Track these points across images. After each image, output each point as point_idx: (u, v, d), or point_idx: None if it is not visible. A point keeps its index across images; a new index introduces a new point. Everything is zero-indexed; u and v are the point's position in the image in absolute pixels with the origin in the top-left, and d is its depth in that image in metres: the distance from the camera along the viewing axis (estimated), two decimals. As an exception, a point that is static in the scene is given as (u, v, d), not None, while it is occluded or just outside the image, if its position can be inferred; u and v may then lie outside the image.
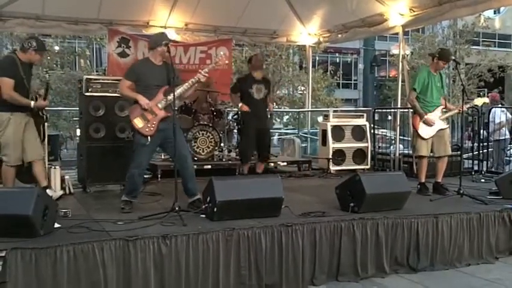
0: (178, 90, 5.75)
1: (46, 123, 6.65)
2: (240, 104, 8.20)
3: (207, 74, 5.82)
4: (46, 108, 6.51)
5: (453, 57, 7.60)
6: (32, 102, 6.09)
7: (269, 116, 8.52)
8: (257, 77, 8.15)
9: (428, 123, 7.16)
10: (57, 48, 24.85)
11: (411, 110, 7.66)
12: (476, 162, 9.70)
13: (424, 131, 7.19)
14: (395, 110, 10.80)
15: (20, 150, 6.10)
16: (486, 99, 7.92)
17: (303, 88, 26.32)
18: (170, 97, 5.66)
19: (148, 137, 5.71)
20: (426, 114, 7.16)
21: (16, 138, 6.05)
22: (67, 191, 7.05)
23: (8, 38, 23.00)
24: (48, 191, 6.12)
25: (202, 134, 9.11)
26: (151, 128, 5.71)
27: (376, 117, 10.70)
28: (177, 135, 5.72)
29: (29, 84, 6.15)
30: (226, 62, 6.33)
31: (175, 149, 5.58)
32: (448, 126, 7.43)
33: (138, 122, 5.70)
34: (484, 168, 9.60)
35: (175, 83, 5.69)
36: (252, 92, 8.13)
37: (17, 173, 6.26)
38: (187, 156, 5.94)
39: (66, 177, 7.18)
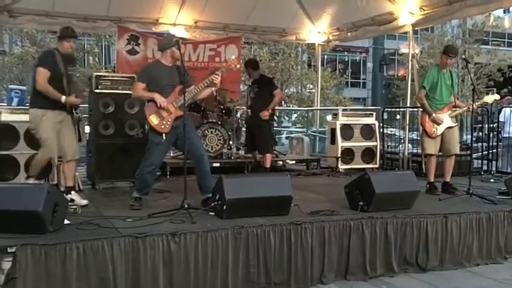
0: (192, 91, 5.82)
1: (79, 122, 6.31)
2: None
3: (218, 77, 5.83)
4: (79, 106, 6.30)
5: (460, 54, 7.57)
6: (63, 98, 5.84)
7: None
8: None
9: (436, 122, 7.12)
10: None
11: (420, 109, 7.62)
12: (485, 162, 9.67)
13: (432, 129, 7.16)
14: (405, 109, 10.77)
15: (56, 144, 5.94)
16: (497, 96, 7.81)
17: (311, 86, 26.34)
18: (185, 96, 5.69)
19: (163, 135, 5.74)
20: (435, 112, 7.14)
21: (52, 133, 5.88)
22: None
23: (18, 35, 23.08)
24: (73, 193, 6.10)
25: (211, 131, 9.16)
26: (167, 126, 5.75)
27: (385, 116, 10.66)
28: (192, 133, 5.81)
29: (68, 80, 5.94)
30: (238, 66, 6.36)
31: (186, 146, 5.58)
32: (456, 124, 7.39)
33: (154, 119, 5.73)
34: (494, 168, 9.56)
35: (186, 84, 5.73)
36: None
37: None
38: (203, 154, 5.95)
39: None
